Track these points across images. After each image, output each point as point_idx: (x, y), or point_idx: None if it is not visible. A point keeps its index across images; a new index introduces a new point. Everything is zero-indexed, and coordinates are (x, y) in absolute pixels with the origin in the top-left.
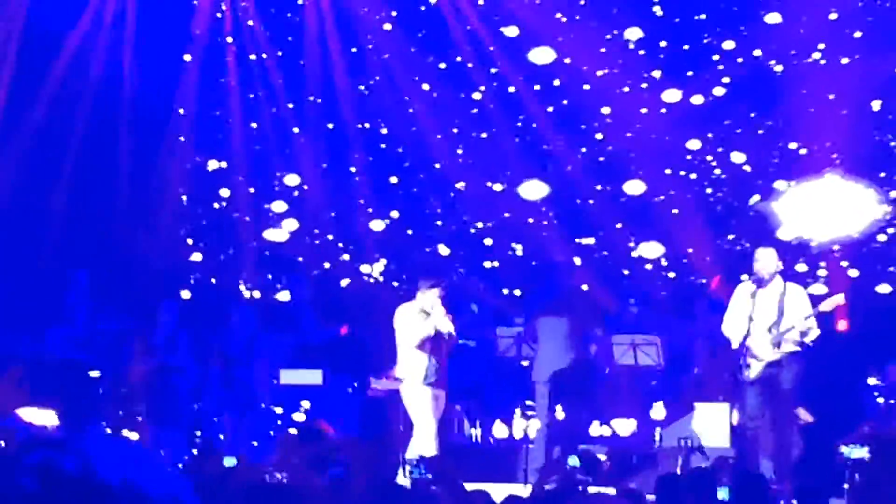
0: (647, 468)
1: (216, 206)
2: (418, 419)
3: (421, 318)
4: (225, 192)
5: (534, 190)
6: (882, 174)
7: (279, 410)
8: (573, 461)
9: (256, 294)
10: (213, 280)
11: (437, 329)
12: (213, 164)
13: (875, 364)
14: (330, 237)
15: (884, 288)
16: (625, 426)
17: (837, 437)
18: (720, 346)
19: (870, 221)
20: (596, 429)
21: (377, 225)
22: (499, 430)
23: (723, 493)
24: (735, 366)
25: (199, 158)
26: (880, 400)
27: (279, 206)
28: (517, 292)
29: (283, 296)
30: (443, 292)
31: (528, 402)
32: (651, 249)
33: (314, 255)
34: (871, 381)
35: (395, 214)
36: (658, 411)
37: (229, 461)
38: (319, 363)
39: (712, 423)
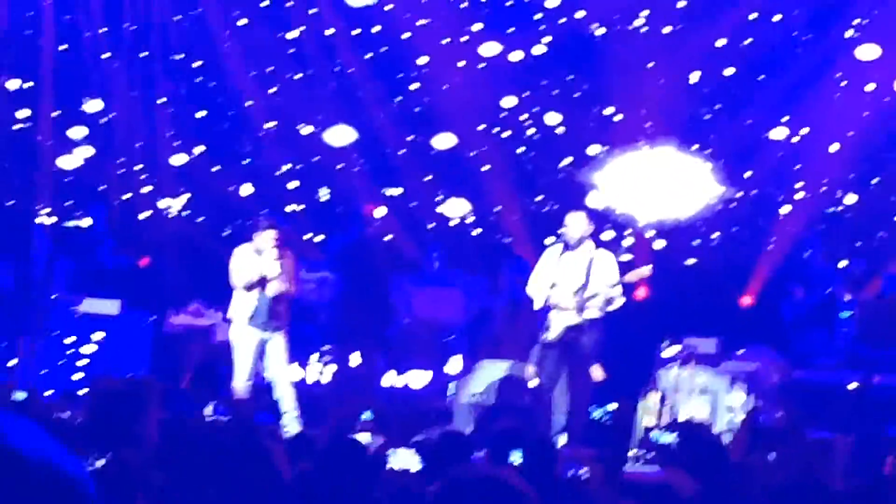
0: (441, 424)
1: (15, 127)
2: (236, 359)
3: (252, 258)
4: (25, 113)
5: (341, 135)
6: (694, 147)
7: (70, 340)
8: (367, 415)
9: (53, 219)
10: (9, 203)
11: (264, 271)
12: (13, 84)
13: (670, 335)
14: (137, 167)
15: (688, 261)
16: (419, 378)
17: (633, 406)
18: (521, 306)
19: (682, 195)
20: (390, 378)
21: (180, 159)
22: (294, 373)
23: (516, 456)
24: (536, 326)
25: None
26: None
27: (79, 132)
28: (319, 238)
29: (81, 223)
30: (278, 234)
31: (325, 348)
32: (458, 205)
33: (115, 183)
34: (669, 353)
35: (199, 150)
36: (454, 366)
37: (20, 395)
38: (117, 294)
39: (510, 382)
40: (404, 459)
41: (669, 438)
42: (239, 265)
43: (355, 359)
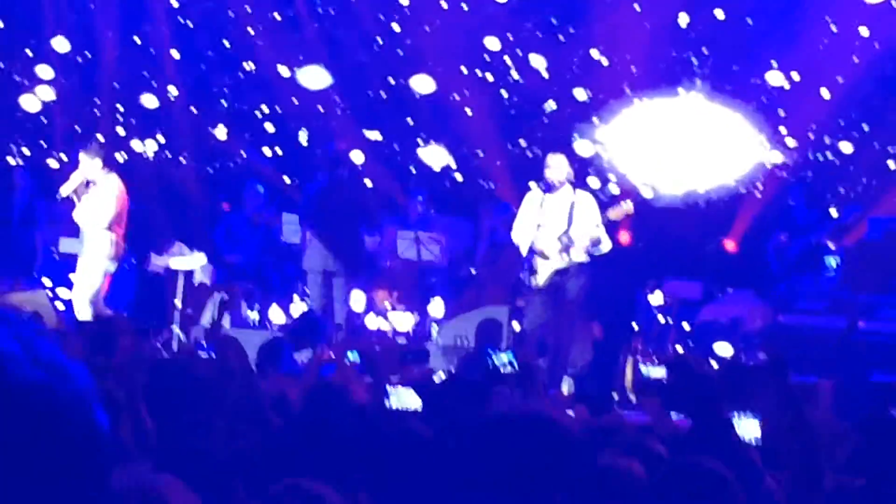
0: (423, 365)
1: None
2: None
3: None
4: None
5: (318, 78)
6: (678, 91)
7: (48, 282)
8: (353, 356)
9: (22, 161)
10: None
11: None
12: None
13: (654, 278)
14: (118, 107)
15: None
16: (403, 320)
17: (617, 349)
18: (504, 250)
19: (672, 141)
20: (373, 321)
21: (153, 100)
22: (275, 314)
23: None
24: (522, 271)
25: None
26: (659, 317)
27: (45, 71)
28: (297, 181)
29: (55, 163)
30: (89, 156)
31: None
32: (437, 152)
33: (89, 123)
34: (654, 299)
35: (174, 91)
36: (436, 308)
37: None
38: None
39: (491, 325)
40: (405, 399)
41: (659, 373)
42: None
43: (335, 298)
